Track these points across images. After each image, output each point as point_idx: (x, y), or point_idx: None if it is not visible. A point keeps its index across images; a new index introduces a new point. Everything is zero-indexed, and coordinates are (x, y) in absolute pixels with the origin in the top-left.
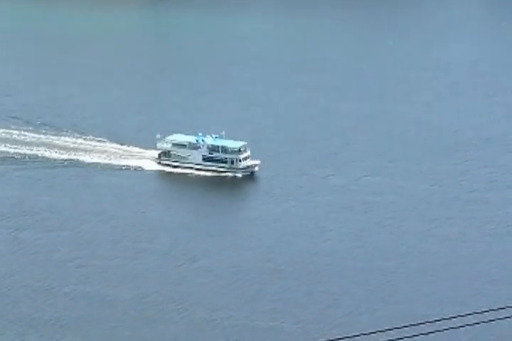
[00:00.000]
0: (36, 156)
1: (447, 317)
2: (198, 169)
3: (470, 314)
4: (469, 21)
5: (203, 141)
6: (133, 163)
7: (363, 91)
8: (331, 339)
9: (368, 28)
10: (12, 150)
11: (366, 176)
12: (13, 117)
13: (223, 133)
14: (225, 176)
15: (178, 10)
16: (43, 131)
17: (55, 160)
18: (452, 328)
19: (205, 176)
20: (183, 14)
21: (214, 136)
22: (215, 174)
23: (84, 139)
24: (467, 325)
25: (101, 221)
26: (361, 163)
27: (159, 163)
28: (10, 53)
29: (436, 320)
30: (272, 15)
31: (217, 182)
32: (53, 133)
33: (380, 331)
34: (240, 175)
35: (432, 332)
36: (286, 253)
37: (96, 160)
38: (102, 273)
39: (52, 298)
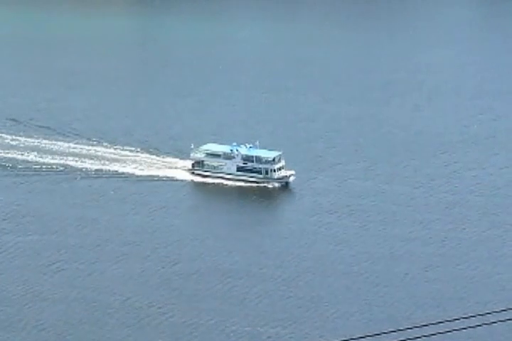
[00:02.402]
0: (58, 165)
1: (429, 323)
2: (231, 179)
3: (457, 319)
4: (458, 23)
5: (237, 150)
6: (165, 173)
7: (349, 95)
8: None
9: (356, 30)
10: (45, 160)
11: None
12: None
13: (257, 142)
14: (259, 186)
15: (165, 14)
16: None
17: (86, 169)
18: (434, 334)
19: (239, 186)
20: (171, 18)
21: (248, 145)
22: (249, 184)
23: (115, 149)
24: (447, 331)
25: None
26: (345, 166)
27: (192, 173)
28: None
29: (415, 327)
30: (259, 19)
31: (250, 193)
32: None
33: (361, 337)
34: (273, 185)
35: (417, 338)
36: (279, 257)
37: (127, 170)
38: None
39: (33, 301)
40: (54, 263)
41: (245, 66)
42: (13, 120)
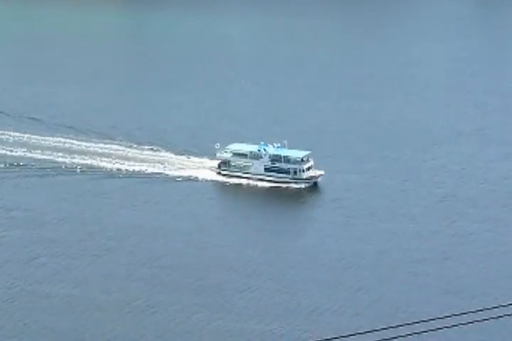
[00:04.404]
0: (85, 165)
1: (420, 320)
2: (259, 179)
3: (448, 316)
4: (450, 19)
5: (265, 150)
6: (191, 173)
7: (340, 89)
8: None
9: (349, 26)
10: (84, 161)
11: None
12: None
13: (285, 142)
14: (288, 187)
15: (156, 10)
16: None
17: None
18: (425, 331)
19: (267, 187)
20: (162, 14)
21: (276, 145)
22: (276, 184)
23: (138, 149)
24: (439, 329)
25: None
26: (334, 160)
27: (219, 173)
28: None
29: (407, 324)
30: (251, 14)
31: (278, 194)
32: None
33: (351, 334)
34: (302, 185)
35: (408, 335)
36: (265, 253)
37: (154, 170)
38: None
39: (16, 296)
40: (53, 258)
41: (236, 62)
42: (2, 113)
